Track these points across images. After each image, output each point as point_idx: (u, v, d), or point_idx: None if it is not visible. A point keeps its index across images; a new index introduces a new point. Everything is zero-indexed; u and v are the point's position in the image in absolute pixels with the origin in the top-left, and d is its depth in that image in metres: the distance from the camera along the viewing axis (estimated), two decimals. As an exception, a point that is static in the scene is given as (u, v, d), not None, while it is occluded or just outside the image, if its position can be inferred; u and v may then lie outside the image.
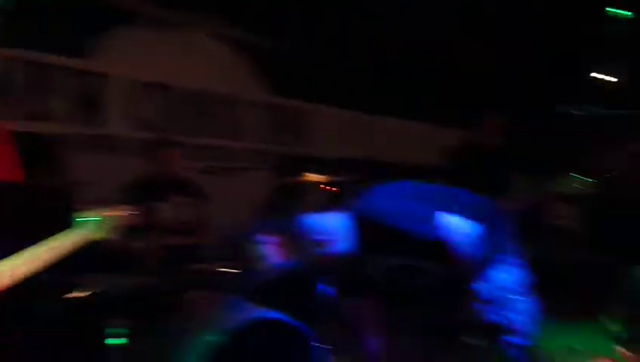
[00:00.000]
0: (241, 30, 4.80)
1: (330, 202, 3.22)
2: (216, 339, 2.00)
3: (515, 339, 2.11)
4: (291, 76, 5.19)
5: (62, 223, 1.52)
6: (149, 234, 2.77)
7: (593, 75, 6.00)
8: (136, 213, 1.61)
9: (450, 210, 2.16)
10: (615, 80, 5.93)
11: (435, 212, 2.15)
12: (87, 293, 2.22)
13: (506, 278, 2.30)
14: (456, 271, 2.15)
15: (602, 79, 5.93)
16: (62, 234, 1.47)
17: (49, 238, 1.44)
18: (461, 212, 2.16)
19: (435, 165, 3.95)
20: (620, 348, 3.51)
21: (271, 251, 2.17)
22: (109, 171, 3.60)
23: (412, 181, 2.43)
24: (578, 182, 3.51)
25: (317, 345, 2.18)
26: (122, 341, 2.13)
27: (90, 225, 1.52)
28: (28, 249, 1.39)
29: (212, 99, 4.68)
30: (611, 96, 5.60)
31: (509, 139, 4.11)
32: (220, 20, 4.64)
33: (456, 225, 2.15)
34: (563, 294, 4.47)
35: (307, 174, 3.25)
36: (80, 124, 3.86)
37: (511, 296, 2.18)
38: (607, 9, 4.63)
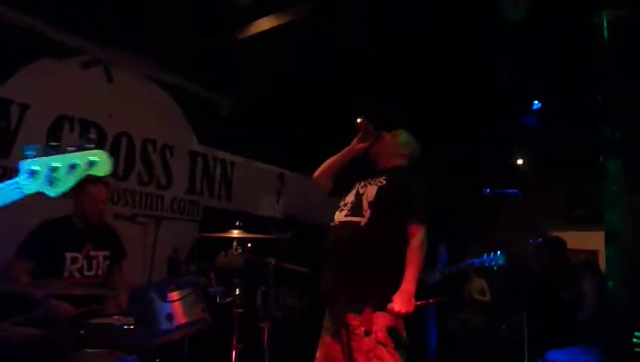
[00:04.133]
0: (176, 76, 4.80)
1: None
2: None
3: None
4: (223, 128, 5.23)
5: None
6: (53, 284, 2.61)
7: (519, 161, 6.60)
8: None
9: None
10: (529, 164, 6.47)
11: None
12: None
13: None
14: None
15: (520, 164, 6.47)
16: None
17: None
18: None
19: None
20: None
21: (177, 309, 2.10)
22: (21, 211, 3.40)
23: None
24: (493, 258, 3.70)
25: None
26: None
27: None
28: None
29: (142, 143, 4.57)
30: (527, 179, 6.08)
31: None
32: (152, 63, 4.60)
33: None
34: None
35: (231, 230, 3.21)
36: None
37: None
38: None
